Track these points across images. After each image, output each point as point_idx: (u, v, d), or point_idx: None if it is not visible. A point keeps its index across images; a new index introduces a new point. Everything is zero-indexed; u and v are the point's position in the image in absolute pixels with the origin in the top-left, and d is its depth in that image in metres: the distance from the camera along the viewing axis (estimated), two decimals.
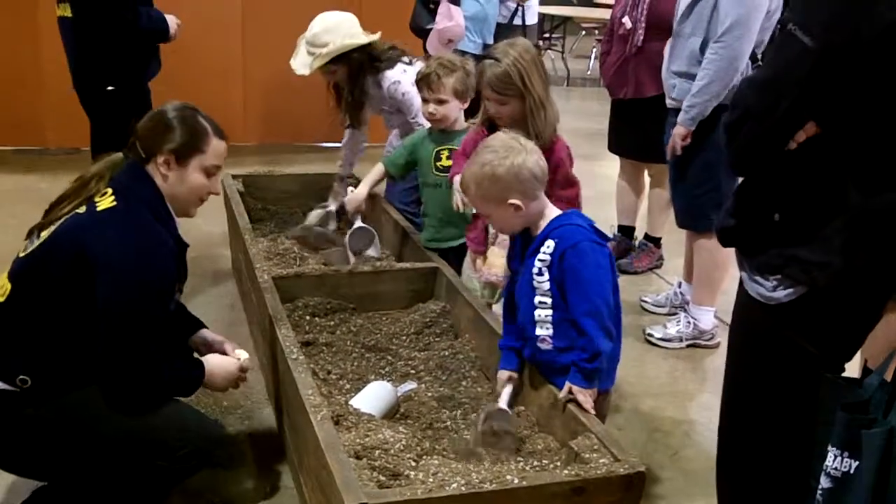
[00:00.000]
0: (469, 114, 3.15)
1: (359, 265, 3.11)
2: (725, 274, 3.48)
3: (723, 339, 3.36)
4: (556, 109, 2.63)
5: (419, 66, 3.43)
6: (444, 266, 2.99)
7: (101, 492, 2.16)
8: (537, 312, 2.15)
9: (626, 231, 4.52)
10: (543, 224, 2.16)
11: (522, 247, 2.23)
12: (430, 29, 4.89)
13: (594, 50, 10.28)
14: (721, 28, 3.12)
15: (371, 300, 2.96)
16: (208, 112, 2.30)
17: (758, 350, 1.79)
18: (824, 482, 1.56)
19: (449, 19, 4.82)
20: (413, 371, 2.61)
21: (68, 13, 3.72)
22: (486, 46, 4.89)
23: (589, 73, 10.43)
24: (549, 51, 10.16)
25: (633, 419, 3.01)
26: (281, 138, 6.33)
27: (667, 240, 4.43)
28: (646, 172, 4.36)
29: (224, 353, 2.37)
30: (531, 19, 5.61)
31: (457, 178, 2.61)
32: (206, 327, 2.50)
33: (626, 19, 3.91)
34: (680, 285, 3.89)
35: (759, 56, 3.18)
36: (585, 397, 2.05)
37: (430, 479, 1.81)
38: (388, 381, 2.50)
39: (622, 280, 2.43)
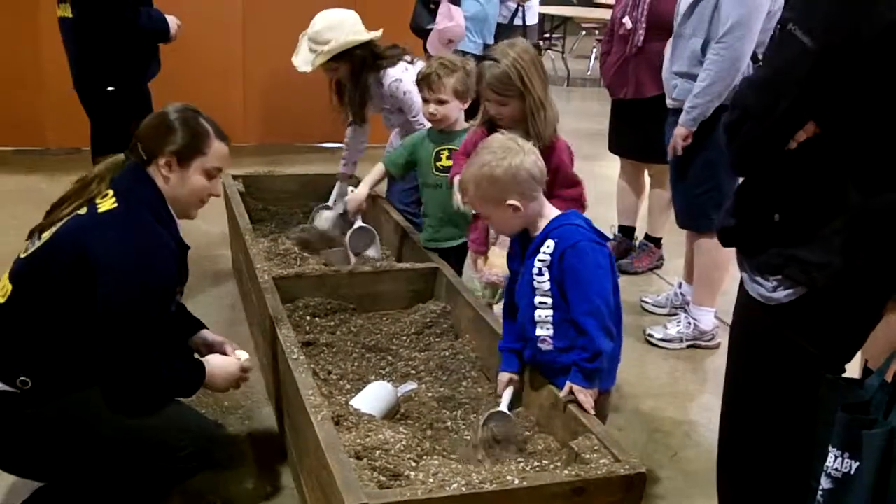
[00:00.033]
0: (469, 115, 3.15)
1: (359, 265, 3.11)
2: (726, 274, 3.48)
3: (723, 339, 3.37)
4: (555, 109, 2.63)
5: (421, 65, 3.43)
6: (445, 266, 2.99)
7: (101, 493, 2.16)
8: (537, 313, 2.15)
9: (627, 231, 4.53)
10: (543, 224, 2.17)
11: (522, 247, 2.23)
12: (431, 29, 4.89)
13: (594, 50, 10.27)
14: (722, 29, 3.12)
15: (371, 300, 2.96)
16: (208, 112, 2.30)
17: (758, 350, 1.79)
18: (825, 483, 1.56)
19: (449, 19, 4.82)
20: (413, 371, 2.61)
21: (69, 13, 3.72)
22: (486, 47, 4.89)
23: (589, 73, 10.43)
24: (549, 51, 10.15)
25: (633, 420, 3.01)
26: (281, 138, 6.32)
27: (667, 240, 4.43)
28: (646, 173, 4.36)
29: (224, 353, 2.37)
30: (531, 19, 5.61)
31: (457, 179, 2.62)
32: (206, 328, 2.50)
33: (626, 19, 3.91)
34: (680, 286, 3.89)
35: (760, 56, 3.19)
36: (586, 397, 2.05)
37: (431, 480, 1.81)
38: (389, 381, 2.50)
39: (622, 280, 2.43)
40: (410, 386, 2.50)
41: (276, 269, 3.02)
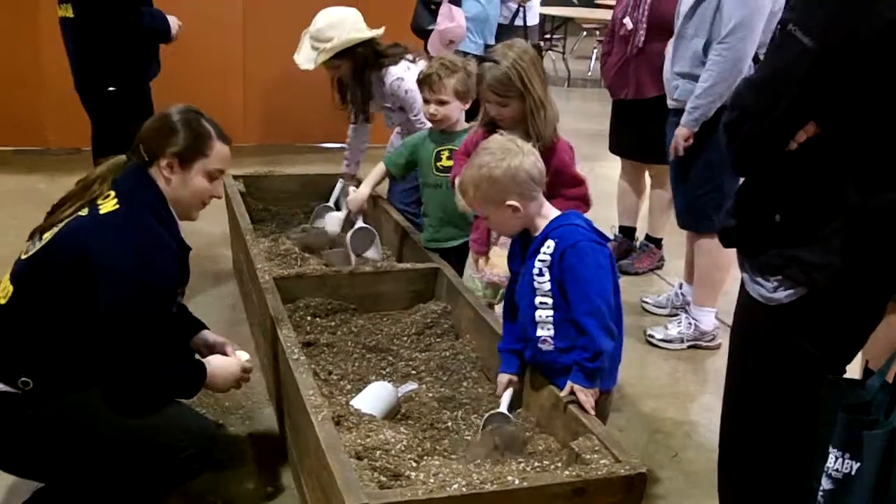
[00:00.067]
0: (469, 116, 3.15)
1: (360, 266, 3.11)
2: (726, 275, 3.48)
3: (724, 340, 3.36)
4: (555, 109, 2.63)
5: (423, 64, 3.43)
6: (445, 266, 2.99)
7: (101, 493, 2.16)
8: (538, 313, 2.15)
9: (627, 232, 4.52)
10: (543, 225, 2.17)
11: (522, 248, 2.23)
12: (432, 30, 4.90)
13: (595, 51, 10.28)
14: (725, 29, 3.12)
15: (372, 301, 2.96)
16: (208, 112, 2.30)
17: (759, 351, 1.79)
18: (825, 483, 1.56)
19: (450, 20, 4.82)
20: (414, 372, 2.61)
21: (70, 14, 3.72)
22: (487, 47, 4.89)
23: (590, 73, 10.43)
24: (550, 51, 10.15)
25: (633, 420, 3.01)
26: (281, 139, 6.33)
27: (668, 241, 4.43)
28: (647, 173, 4.36)
29: (225, 354, 2.37)
30: (532, 20, 5.62)
31: (458, 181, 2.62)
32: (207, 328, 2.50)
33: (627, 20, 3.91)
34: (681, 286, 3.89)
35: (762, 57, 3.19)
36: (587, 397, 2.05)
37: (431, 480, 1.81)
38: (389, 381, 2.50)
39: (623, 281, 2.43)
40: (411, 386, 2.50)
41: (277, 270, 3.02)
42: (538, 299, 2.15)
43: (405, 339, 2.80)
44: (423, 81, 3.11)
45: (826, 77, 1.52)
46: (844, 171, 1.59)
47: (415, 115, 3.55)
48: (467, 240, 2.90)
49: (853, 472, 1.52)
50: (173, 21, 3.84)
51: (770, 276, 1.69)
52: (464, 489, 1.72)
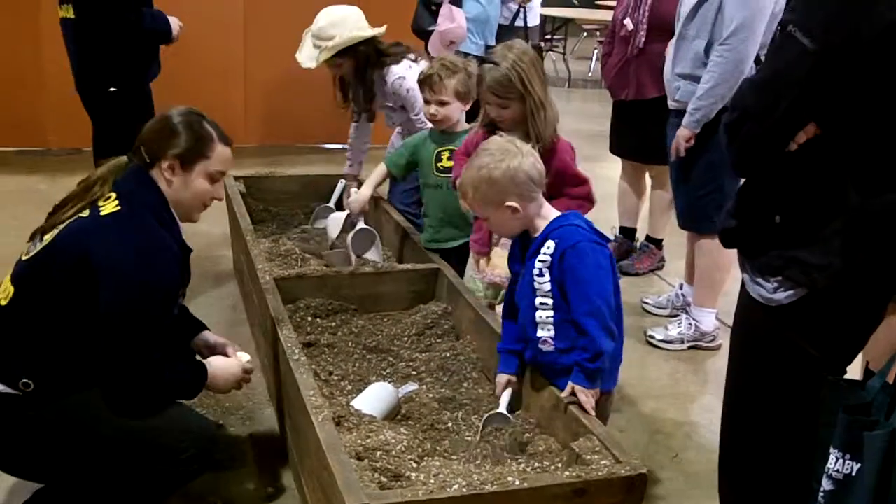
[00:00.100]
0: (470, 116, 3.15)
1: (360, 266, 3.11)
2: (727, 275, 3.48)
3: (724, 340, 3.36)
4: (555, 110, 2.63)
5: (424, 64, 3.43)
6: (446, 267, 3.00)
7: (102, 494, 2.16)
8: (538, 314, 2.15)
9: (628, 232, 4.52)
10: (542, 225, 2.17)
11: (522, 249, 2.23)
12: (432, 30, 4.90)
13: (595, 51, 10.28)
14: (726, 31, 3.12)
15: (372, 301, 2.96)
16: (209, 113, 2.30)
17: (759, 352, 1.79)
18: (826, 484, 1.56)
19: (451, 21, 4.83)
20: (414, 372, 2.61)
21: (71, 14, 3.72)
22: (488, 48, 4.89)
23: (590, 74, 10.43)
24: (550, 52, 10.16)
25: (634, 421, 3.01)
26: (282, 139, 6.33)
27: (668, 241, 4.43)
28: (647, 174, 4.36)
29: (226, 355, 2.37)
30: (533, 21, 5.63)
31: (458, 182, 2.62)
32: (208, 329, 2.50)
33: (627, 21, 3.91)
34: (681, 287, 3.89)
35: (763, 58, 3.19)
36: (588, 397, 2.05)
37: (432, 481, 1.81)
38: (390, 382, 2.50)
39: (623, 282, 2.43)
40: (411, 387, 2.50)
41: (278, 270, 3.02)
42: (538, 300, 2.15)
43: (405, 339, 2.80)
44: (424, 82, 3.12)
45: (826, 78, 1.52)
46: (845, 172, 1.59)
47: (416, 115, 3.56)
48: (467, 240, 2.90)
49: (854, 473, 1.52)
50: (174, 22, 3.84)
51: (770, 276, 1.69)
52: (464, 490, 1.72)
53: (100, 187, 2.18)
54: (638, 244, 4.52)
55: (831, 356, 1.71)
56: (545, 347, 2.17)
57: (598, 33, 10.49)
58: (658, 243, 4.45)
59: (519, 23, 5.48)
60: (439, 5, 4.86)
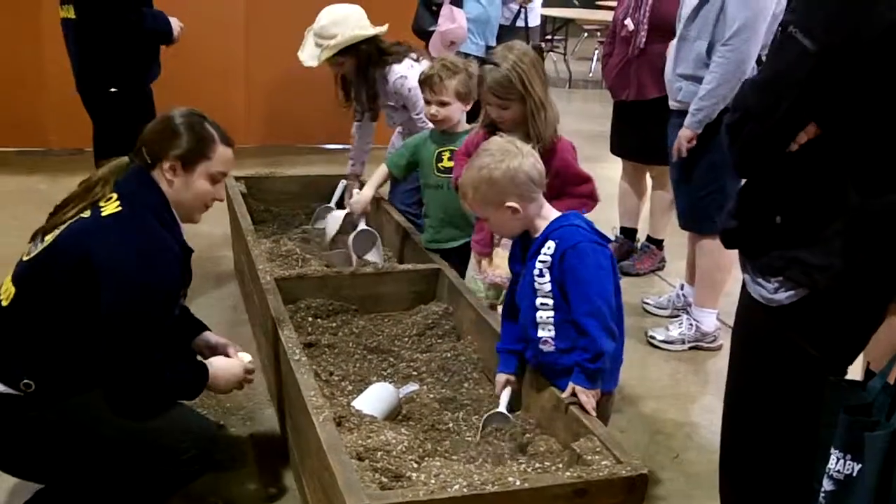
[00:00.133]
0: (470, 117, 3.15)
1: (361, 267, 3.11)
2: (728, 276, 3.47)
3: (725, 341, 3.36)
4: (555, 110, 2.64)
5: (426, 64, 3.43)
6: (446, 267, 3.00)
7: (103, 495, 2.16)
8: (539, 314, 2.15)
9: (628, 233, 4.52)
10: (543, 226, 2.17)
11: (523, 249, 2.23)
12: (433, 31, 4.90)
13: (596, 52, 10.28)
14: (728, 31, 3.12)
15: (373, 302, 2.96)
16: (210, 113, 2.30)
17: (760, 352, 1.79)
18: (827, 484, 1.56)
19: (451, 21, 4.82)
20: (415, 373, 2.61)
21: (72, 15, 3.72)
22: (488, 48, 4.89)
23: (591, 74, 10.43)
24: (551, 53, 10.15)
25: (634, 421, 3.01)
26: (283, 140, 6.33)
27: (669, 242, 4.43)
28: (648, 174, 4.36)
29: (227, 355, 2.37)
30: (533, 21, 5.62)
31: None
32: (209, 330, 2.50)
33: (628, 21, 3.91)
34: (682, 287, 3.89)
35: (764, 59, 3.19)
36: (588, 398, 2.05)
37: (432, 481, 1.81)
38: (390, 382, 2.50)
39: (624, 282, 2.43)
40: (412, 387, 2.50)
41: (278, 270, 3.02)
42: (539, 300, 2.15)
43: (406, 340, 2.80)
44: (425, 82, 3.12)
45: (827, 79, 1.52)
46: (845, 173, 1.59)
47: (417, 114, 3.56)
48: (468, 240, 2.90)
49: (854, 474, 1.52)
50: (175, 22, 3.84)
51: (771, 277, 1.69)
52: (465, 490, 1.72)
53: (101, 188, 2.18)
54: (639, 245, 4.52)
55: (832, 357, 1.71)
56: (546, 348, 2.17)
57: (598, 34, 10.49)
58: (659, 244, 4.45)
59: (520, 23, 5.48)
60: (440, 5, 4.86)
